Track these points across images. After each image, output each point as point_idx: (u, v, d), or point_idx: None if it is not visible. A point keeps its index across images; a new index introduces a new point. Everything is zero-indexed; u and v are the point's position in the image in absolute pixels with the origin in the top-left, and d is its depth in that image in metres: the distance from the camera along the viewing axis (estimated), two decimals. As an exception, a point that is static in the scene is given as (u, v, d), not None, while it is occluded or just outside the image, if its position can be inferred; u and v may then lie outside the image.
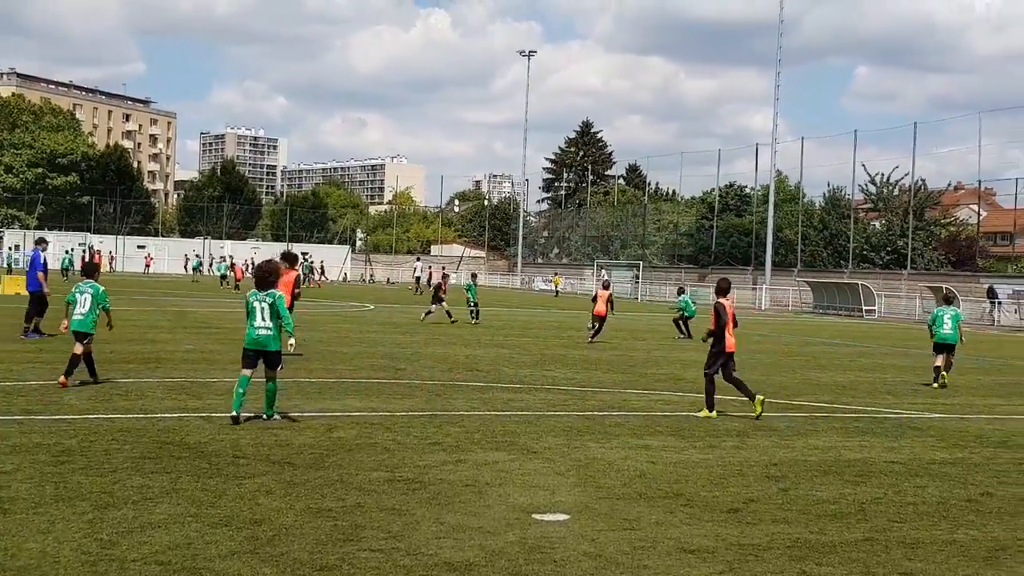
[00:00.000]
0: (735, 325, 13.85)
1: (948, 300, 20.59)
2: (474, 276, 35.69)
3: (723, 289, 14.14)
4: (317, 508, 7.62)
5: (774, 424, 13.04)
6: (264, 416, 11.67)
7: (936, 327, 19.63)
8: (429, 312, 32.11)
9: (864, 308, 57.06)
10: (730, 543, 7.10)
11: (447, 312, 31.83)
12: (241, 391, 11.33)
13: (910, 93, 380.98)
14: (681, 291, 32.84)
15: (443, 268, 49.55)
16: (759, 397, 13.53)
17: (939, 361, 19.01)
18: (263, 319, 11.50)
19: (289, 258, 20.13)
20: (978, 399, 17.15)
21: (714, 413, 13.45)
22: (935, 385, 18.51)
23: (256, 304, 11.55)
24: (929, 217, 70.13)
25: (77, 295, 14.06)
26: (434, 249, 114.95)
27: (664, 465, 9.88)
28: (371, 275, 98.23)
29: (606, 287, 28.00)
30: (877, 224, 73.95)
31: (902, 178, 71.87)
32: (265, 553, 6.43)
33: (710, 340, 13.81)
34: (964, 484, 9.56)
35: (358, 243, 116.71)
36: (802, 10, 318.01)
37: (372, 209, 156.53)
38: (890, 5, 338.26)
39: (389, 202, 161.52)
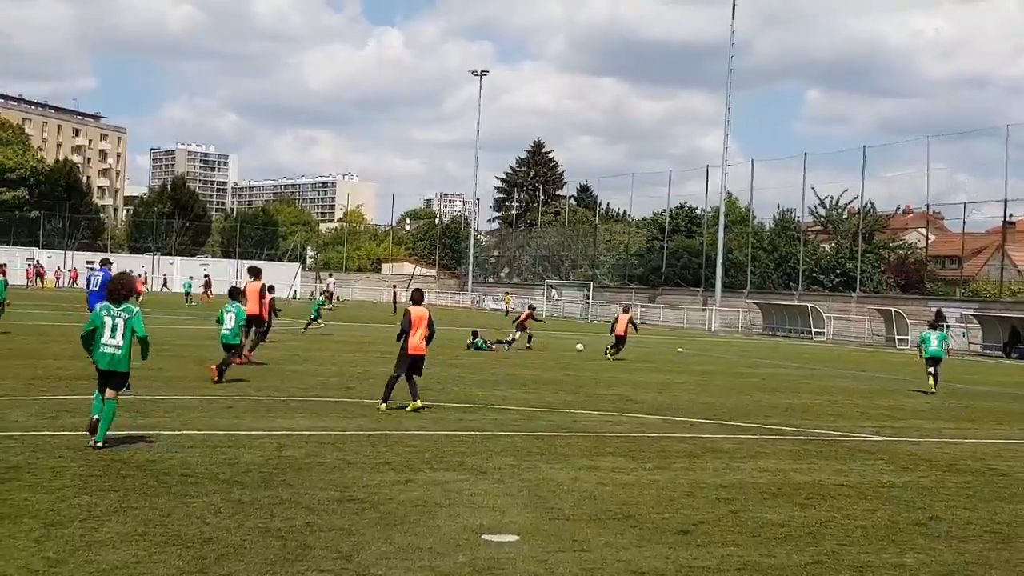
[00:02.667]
0: (431, 332, 15.01)
1: (934, 325, 24.74)
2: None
3: (416, 300, 15.40)
4: (266, 527, 7.53)
5: (724, 446, 13.09)
6: (95, 443, 10.33)
7: (925, 345, 23.72)
8: (512, 341, 32.43)
9: (814, 330, 57.69)
10: (680, 565, 7.10)
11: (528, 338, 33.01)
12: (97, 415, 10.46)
13: (860, 117, 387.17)
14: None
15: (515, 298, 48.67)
16: (417, 403, 14.68)
17: (931, 369, 23.16)
18: (112, 336, 10.51)
19: (254, 272, 20.27)
20: (927, 423, 17.34)
21: (384, 406, 14.59)
22: (933, 388, 22.79)
23: (108, 319, 10.54)
24: (878, 240, 71.10)
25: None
26: (384, 267, 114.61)
27: (614, 486, 9.87)
28: (330, 293, 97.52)
29: (626, 311, 31.52)
30: (827, 247, 74.85)
31: (851, 201, 72.91)
32: (213, 572, 6.36)
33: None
34: (913, 508, 9.64)
35: (308, 261, 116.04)
36: (753, 33, 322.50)
37: (323, 227, 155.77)
38: (840, 29, 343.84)
39: (340, 220, 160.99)
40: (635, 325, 31.76)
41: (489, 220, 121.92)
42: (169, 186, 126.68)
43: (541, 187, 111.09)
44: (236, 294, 18.88)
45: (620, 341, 30.32)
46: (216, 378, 16.91)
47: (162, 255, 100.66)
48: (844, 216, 74.24)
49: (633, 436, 13.59)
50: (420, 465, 10.46)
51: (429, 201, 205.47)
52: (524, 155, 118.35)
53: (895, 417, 17.93)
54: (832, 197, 74.81)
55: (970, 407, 20.78)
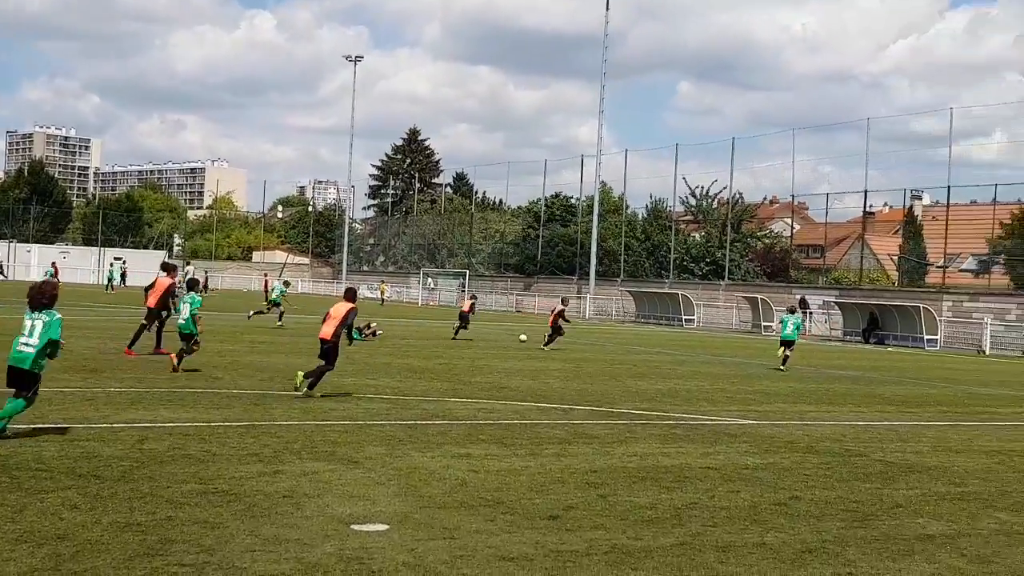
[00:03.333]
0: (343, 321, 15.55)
1: (792, 311, 28.18)
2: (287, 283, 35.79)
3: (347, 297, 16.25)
4: (125, 522, 7.29)
5: (596, 432, 13.24)
6: None
7: (783, 328, 27.23)
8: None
9: (684, 317, 58.93)
10: (549, 550, 7.13)
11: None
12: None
13: (730, 109, 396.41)
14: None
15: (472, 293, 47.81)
16: (300, 374, 15.40)
17: (782, 352, 26.57)
18: (30, 335, 10.47)
19: (167, 267, 22.37)
20: (789, 406, 17.87)
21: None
22: (783, 368, 25.99)
23: (28, 321, 10.58)
24: (746, 230, 72.99)
25: None
26: (256, 255, 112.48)
27: (486, 473, 9.87)
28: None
29: (564, 303, 32.28)
30: (697, 236, 76.52)
31: (721, 191, 74.79)
32: (67, 569, 6.13)
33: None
34: (774, 488, 9.91)
35: (176, 248, 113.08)
36: (627, 25, 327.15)
37: (191, 214, 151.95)
38: (711, 23, 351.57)
39: (209, 207, 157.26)
40: (563, 318, 31.05)
41: (364, 208, 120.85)
42: (26, 170, 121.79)
43: (417, 175, 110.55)
44: (194, 285, 19.96)
45: (555, 332, 30.73)
46: (175, 366, 17.65)
47: (18, 242, 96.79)
48: (714, 206, 76.07)
49: (506, 423, 13.63)
50: (289, 456, 10.28)
51: (302, 188, 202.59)
52: (400, 143, 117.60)
53: (759, 401, 18.44)
54: (703, 187, 76.69)
55: (831, 391, 21.51)
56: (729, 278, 66.72)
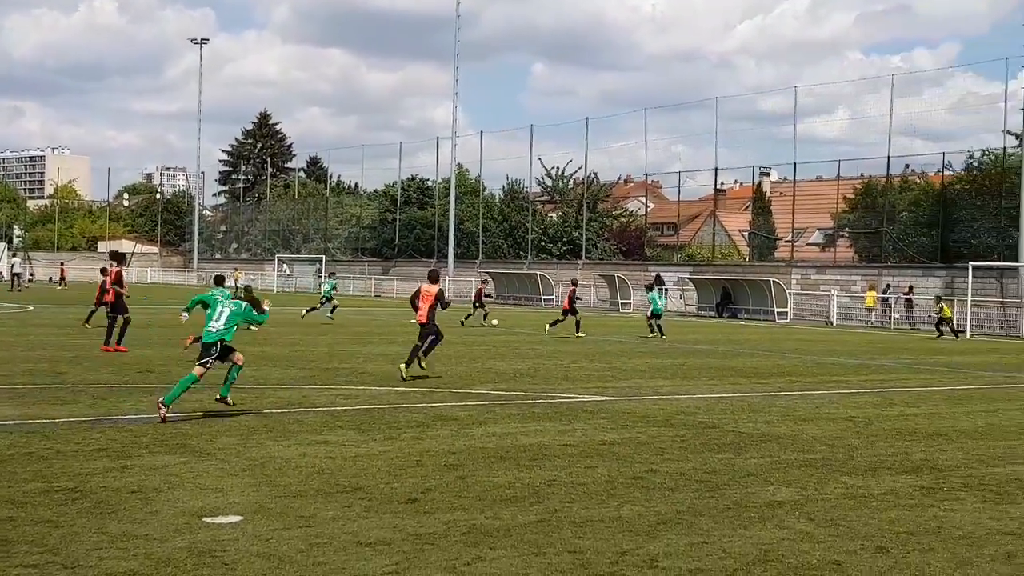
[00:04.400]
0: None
1: (649, 288, 33.39)
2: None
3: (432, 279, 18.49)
4: (-40, 526, 6.94)
5: (454, 414, 13.24)
6: None
7: (655, 304, 31.79)
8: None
9: (543, 297, 59.47)
10: (407, 533, 7.09)
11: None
12: None
13: (584, 90, 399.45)
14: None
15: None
16: (403, 366, 16.95)
17: (655, 322, 31.22)
18: None
19: (117, 257, 23.22)
20: (646, 381, 18.23)
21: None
22: (662, 335, 30.45)
23: None
24: (602, 209, 73.95)
25: None
26: (101, 245, 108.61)
27: (343, 460, 9.76)
28: (30, 274, 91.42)
29: (574, 283, 35.25)
30: (554, 216, 77.17)
31: (576, 171, 75.42)
32: None
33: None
34: (630, 462, 10.07)
35: (15, 240, 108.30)
36: (481, 6, 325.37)
37: (31, 204, 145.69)
38: (563, 4, 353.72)
39: (50, 196, 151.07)
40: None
41: (215, 194, 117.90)
42: None
43: (269, 160, 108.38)
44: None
45: (565, 313, 32.84)
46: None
47: None
48: (570, 186, 76.79)
49: (364, 408, 13.51)
50: (138, 450, 9.96)
51: (149, 175, 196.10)
52: (250, 127, 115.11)
53: (617, 378, 18.76)
54: (558, 168, 77.20)
55: (685, 365, 22.03)
56: (587, 257, 67.63)
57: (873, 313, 46.61)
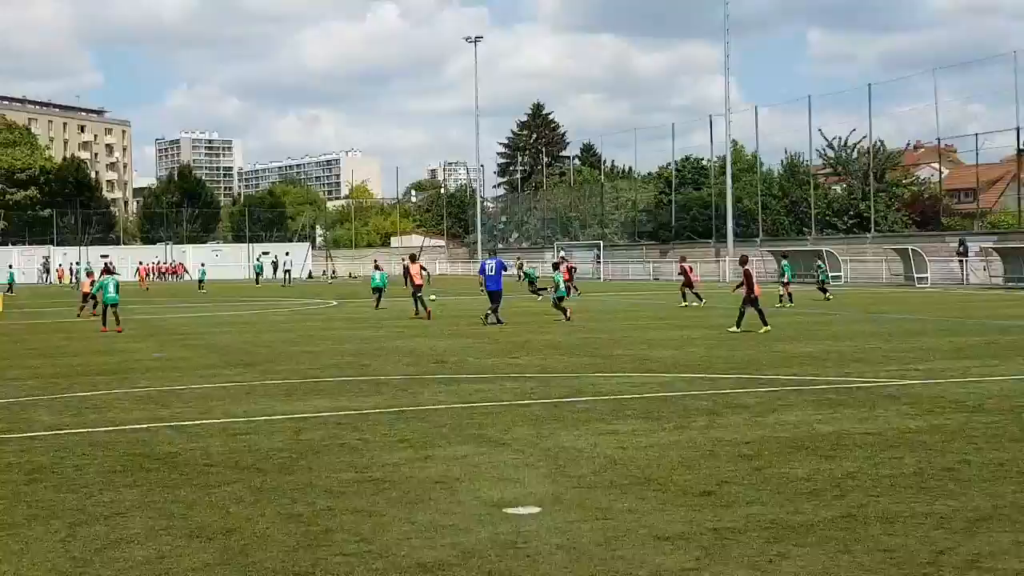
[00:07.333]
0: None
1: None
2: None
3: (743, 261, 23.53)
4: (288, 514, 7.46)
5: (745, 401, 12.94)
6: None
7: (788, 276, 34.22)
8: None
9: (831, 274, 57.38)
10: (705, 528, 6.97)
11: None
12: None
13: (863, 54, 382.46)
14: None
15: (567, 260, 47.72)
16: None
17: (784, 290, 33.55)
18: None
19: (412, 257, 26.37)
20: (951, 363, 16.91)
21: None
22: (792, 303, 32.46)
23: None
24: (890, 178, 70.48)
25: None
26: (394, 240, 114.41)
27: (634, 450, 9.74)
28: (333, 271, 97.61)
29: (683, 259, 36.57)
30: (838, 189, 74.33)
31: (860, 140, 72.03)
32: (238, 563, 6.29)
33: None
34: (941, 453, 9.44)
35: (318, 240, 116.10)
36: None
37: (330, 204, 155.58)
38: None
39: (346, 197, 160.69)
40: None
41: (494, 186, 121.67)
42: (176, 175, 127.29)
43: (544, 149, 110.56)
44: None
45: (686, 286, 34.62)
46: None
47: (174, 244, 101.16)
48: (854, 156, 73.53)
49: (651, 396, 13.46)
50: (438, 440, 10.37)
51: (433, 171, 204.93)
52: (524, 118, 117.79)
53: (918, 359, 17.64)
54: (840, 138, 74.06)
55: (996, 343, 20.41)
56: (876, 230, 64.58)
57: None
